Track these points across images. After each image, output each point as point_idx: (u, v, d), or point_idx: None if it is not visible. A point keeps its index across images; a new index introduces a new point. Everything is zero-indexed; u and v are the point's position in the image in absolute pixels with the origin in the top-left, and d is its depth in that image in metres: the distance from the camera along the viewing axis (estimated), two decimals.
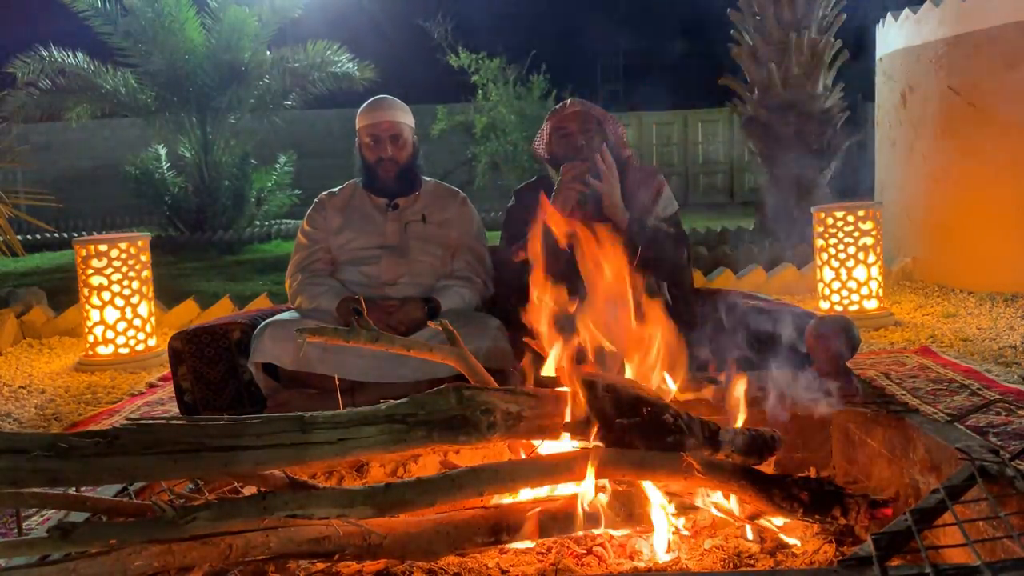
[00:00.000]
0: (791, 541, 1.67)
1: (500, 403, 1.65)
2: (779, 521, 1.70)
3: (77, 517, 1.51)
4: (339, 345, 1.93)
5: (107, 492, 1.67)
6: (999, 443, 2.40)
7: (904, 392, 3.12)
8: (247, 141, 11.05)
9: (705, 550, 1.68)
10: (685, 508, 1.75)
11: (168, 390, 3.61)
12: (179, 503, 1.58)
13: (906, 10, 5.94)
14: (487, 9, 15.20)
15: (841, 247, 4.66)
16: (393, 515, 1.57)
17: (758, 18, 7.36)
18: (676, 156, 15.89)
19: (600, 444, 1.66)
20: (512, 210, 3.00)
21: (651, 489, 1.70)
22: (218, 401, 2.68)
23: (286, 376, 2.64)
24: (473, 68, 13.11)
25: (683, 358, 1.93)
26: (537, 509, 1.66)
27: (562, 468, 1.66)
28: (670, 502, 1.73)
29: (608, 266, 1.96)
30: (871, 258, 4.65)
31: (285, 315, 2.73)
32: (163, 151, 10.90)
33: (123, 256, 4.34)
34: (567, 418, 1.70)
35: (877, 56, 6.59)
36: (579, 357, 1.87)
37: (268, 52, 10.73)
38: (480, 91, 13.22)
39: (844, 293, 4.67)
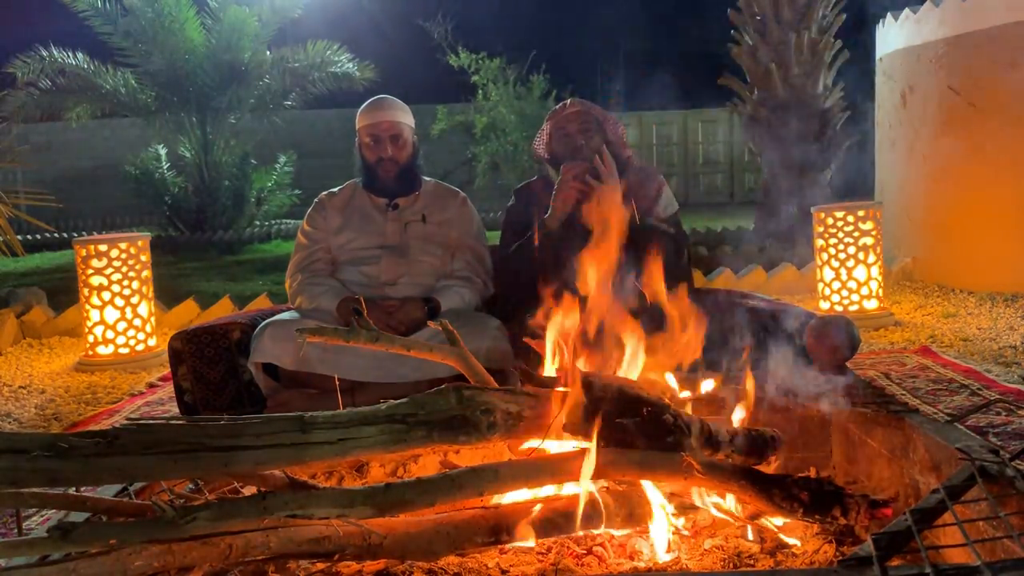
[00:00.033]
0: (791, 541, 1.68)
1: (500, 403, 1.65)
2: (779, 521, 1.70)
3: (77, 517, 1.51)
4: (339, 345, 1.93)
5: (107, 492, 1.67)
6: (999, 443, 2.39)
7: (904, 392, 3.12)
8: (247, 141, 11.05)
9: (705, 550, 1.68)
10: (685, 508, 1.76)
11: (168, 390, 3.61)
12: (179, 503, 1.58)
13: (906, 10, 5.94)
14: (487, 9, 15.19)
15: (841, 247, 4.66)
16: (393, 515, 1.57)
17: (758, 18, 7.35)
18: (676, 156, 15.89)
19: (600, 444, 1.66)
20: (512, 210, 3.00)
21: (651, 489, 1.70)
22: (218, 401, 2.68)
23: (286, 376, 2.64)
24: (473, 68, 13.11)
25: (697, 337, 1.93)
26: (537, 509, 1.66)
27: (562, 468, 1.66)
28: (670, 502, 1.73)
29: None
30: (871, 258, 4.65)
31: (285, 315, 2.73)
32: (163, 151, 10.89)
33: (123, 256, 4.34)
34: (567, 418, 1.70)
35: (877, 56, 6.59)
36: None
37: (268, 52, 10.73)
38: (480, 91, 13.22)
39: (844, 293, 4.67)
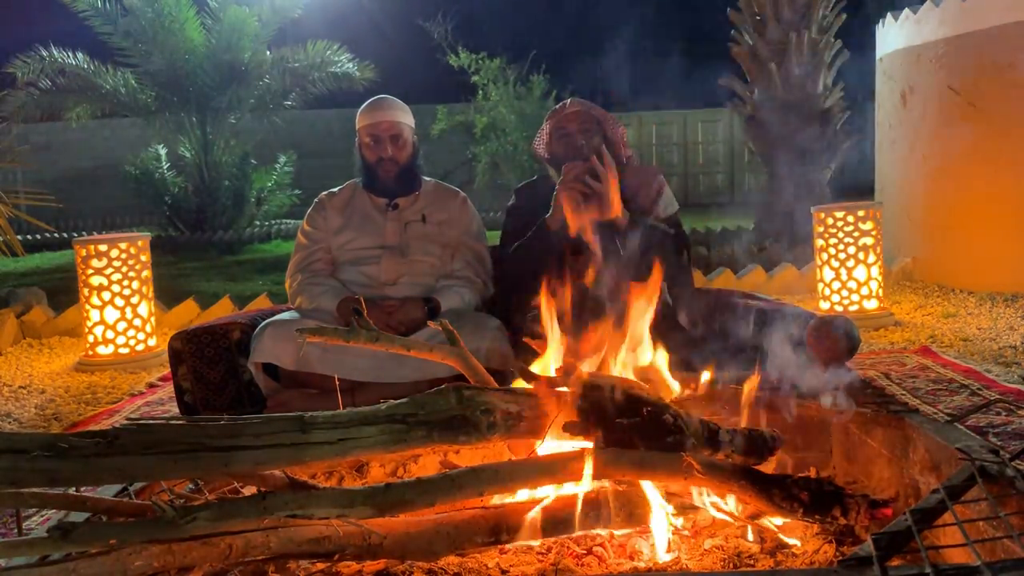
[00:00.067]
0: (791, 541, 1.67)
1: (500, 403, 1.65)
2: (779, 521, 1.70)
3: (77, 517, 1.51)
4: (339, 345, 1.93)
5: (107, 492, 1.67)
6: (999, 443, 2.39)
7: (904, 392, 3.12)
8: (247, 141, 11.06)
9: (705, 550, 1.68)
10: (685, 508, 1.75)
11: (168, 390, 3.61)
12: (179, 503, 1.58)
13: (906, 10, 5.93)
14: (487, 9, 15.20)
15: (841, 247, 4.66)
16: (393, 515, 1.57)
17: (758, 18, 7.35)
18: (676, 156, 15.89)
19: (600, 444, 1.66)
20: (512, 209, 3.00)
21: (651, 489, 1.70)
22: (218, 401, 2.68)
23: (286, 376, 2.64)
24: (473, 68, 13.11)
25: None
26: (537, 509, 1.66)
27: (562, 468, 1.66)
28: (670, 502, 1.73)
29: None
30: (871, 258, 4.65)
31: (285, 315, 2.73)
32: (163, 151, 10.90)
33: (123, 256, 4.34)
34: (567, 418, 1.70)
35: (877, 56, 6.59)
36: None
37: (268, 52, 10.73)
38: (480, 91, 13.22)
39: (844, 293, 4.67)
